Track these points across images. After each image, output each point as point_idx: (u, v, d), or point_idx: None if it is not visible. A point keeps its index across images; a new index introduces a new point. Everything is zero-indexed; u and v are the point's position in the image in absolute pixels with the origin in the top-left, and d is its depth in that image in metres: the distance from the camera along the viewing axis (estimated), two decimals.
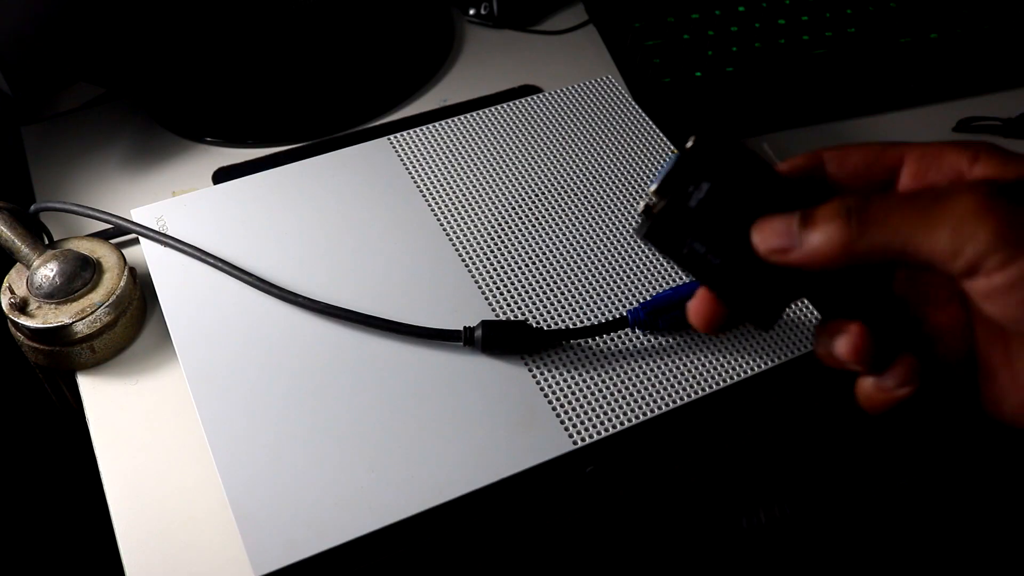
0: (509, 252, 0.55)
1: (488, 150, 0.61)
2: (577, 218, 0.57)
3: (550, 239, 0.56)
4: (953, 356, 0.32)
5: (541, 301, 0.53)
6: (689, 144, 0.31)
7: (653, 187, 0.31)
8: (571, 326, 0.51)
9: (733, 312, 0.33)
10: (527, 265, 0.55)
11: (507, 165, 0.60)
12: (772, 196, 0.31)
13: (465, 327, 0.50)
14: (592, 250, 0.55)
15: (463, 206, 0.58)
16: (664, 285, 0.53)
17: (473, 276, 0.54)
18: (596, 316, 0.52)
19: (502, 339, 0.49)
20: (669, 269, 0.54)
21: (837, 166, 0.32)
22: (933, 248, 0.28)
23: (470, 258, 0.55)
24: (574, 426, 0.47)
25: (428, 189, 0.59)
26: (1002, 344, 0.31)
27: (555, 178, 0.60)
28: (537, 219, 0.57)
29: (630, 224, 0.57)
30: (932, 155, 0.31)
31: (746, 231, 0.31)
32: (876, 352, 0.32)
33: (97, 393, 0.54)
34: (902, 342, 0.32)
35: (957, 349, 0.32)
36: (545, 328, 0.51)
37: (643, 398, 0.48)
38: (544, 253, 0.55)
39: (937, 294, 0.32)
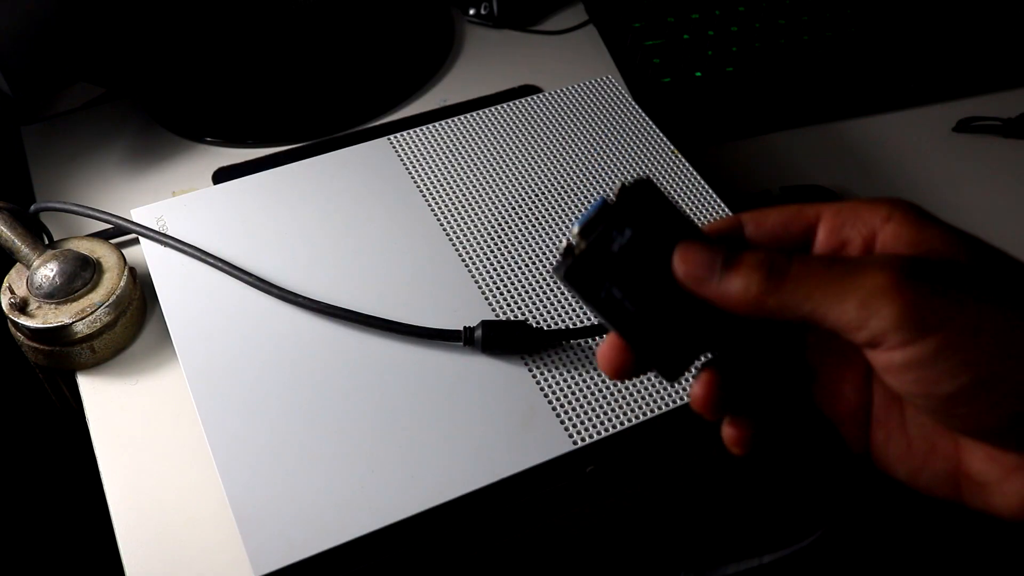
0: (509, 252, 0.55)
1: (488, 150, 0.61)
2: (577, 218, 0.57)
3: (550, 239, 0.56)
4: (850, 410, 0.33)
5: (541, 301, 0.53)
6: (616, 192, 0.32)
7: (576, 228, 0.31)
8: (571, 326, 0.51)
9: (641, 360, 0.33)
10: (527, 265, 0.55)
11: (507, 165, 0.60)
12: None
13: (465, 327, 0.50)
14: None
15: (463, 206, 0.58)
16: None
17: (473, 276, 0.54)
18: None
19: (502, 339, 0.49)
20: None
21: (755, 227, 0.33)
22: (839, 317, 0.29)
23: (470, 258, 0.55)
24: (574, 426, 0.47)
25: (428, 189, 0.59)
26: (898, 410, 0.32)
27: (555, 178, 0.60)
28: (537, 219, 0.57)
29: None
30: (847, 212, 0.32)
31: (664, 281, 0.32)
32: (717, 406, 0.33)
33: (97, 393, 0.54)
34: (755, 403, 0.33)
35: (856, 404, 0.33)
36: (545, 328, 0.51)
37: (643, 398, 0.48)
38: (544, 253, 0.55)
39: (845, 351, 0.33)
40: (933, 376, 0.28)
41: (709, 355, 0.34)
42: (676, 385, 0.49)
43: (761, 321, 0.31)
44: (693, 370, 0.35)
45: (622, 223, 0.31)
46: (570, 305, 0.53)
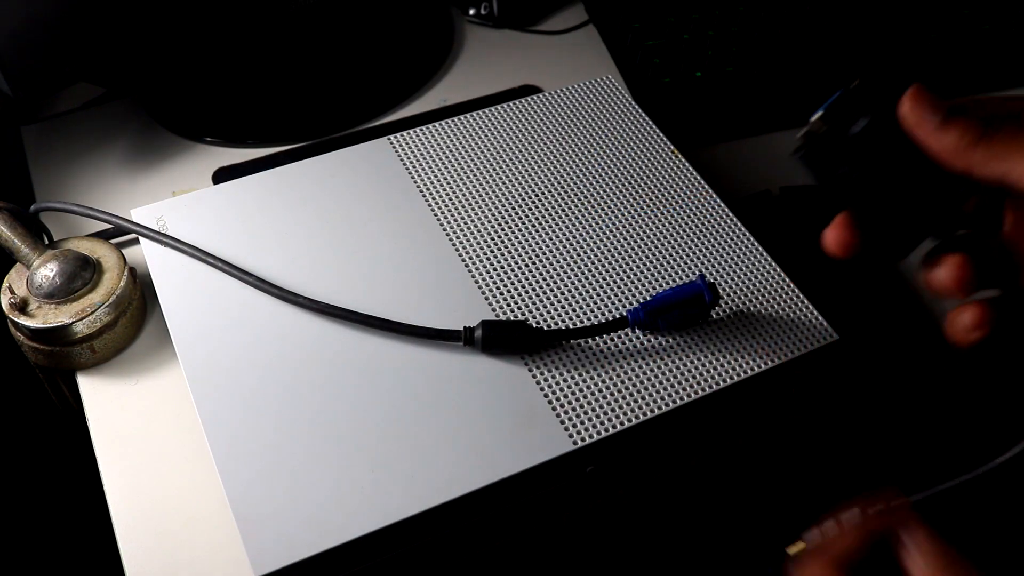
0: (509, 252, 0.55)
1: (488, 150, 0.61)
2: (577, 218, 0.57)
3: (550, 239, 0.56)
4: None
5: (541, 301, 0.53)
6: (855, 84, 0.35)
7: (818, 114, 0.36)
8: (571, 326, 0.51)
9: (867, 239, 0.37)
10: (527, 265, 0.55)
11: (507, 165, 0.60)
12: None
13: (465, 327, 0.50)
14: (592, 250, 0.55)
15: (463, 206, 0.58)
16: (664, 285, 0.53)
17: (473, 276, 0.54)
18: (596, 316, 0.52)
19: (502, 339, 0.49)
20: (669, 269, 0.54)
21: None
22: None
23: (470, 258, 0.55)
24: (574, 426, 0.47)
25: (428, 189, 0.59)
26: None
27: (555, 178, 0.60)
28: (537, 219, 0.57)
29: (630, 224, 0.57)
30: None
31: (896, 165, 0.35)
32: (973, 281, 0.36)
33: (97, 393, 0.54)
34: (995, 277, 0.37)
35: None
36: (545, 328, 0.51)
37: (643, 398, 0.48)
38: (544, 253, 0.55)
39: None
40: None
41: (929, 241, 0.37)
42: (676, 385, 0.49)
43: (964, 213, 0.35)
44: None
45: (860, 110, 0.35)
46: (570, 305, 0.53)
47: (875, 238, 0.36)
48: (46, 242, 0.60)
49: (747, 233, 0.56)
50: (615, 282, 0.54)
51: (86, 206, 0.58)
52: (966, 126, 0.34)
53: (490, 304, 0.53)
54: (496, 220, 0.57)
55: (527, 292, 0.53)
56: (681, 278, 0.54)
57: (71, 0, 0.62)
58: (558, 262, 0.55)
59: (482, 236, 0.56)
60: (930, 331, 0.58)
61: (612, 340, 0.51)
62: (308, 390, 0.49)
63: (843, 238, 0.37)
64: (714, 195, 0.58)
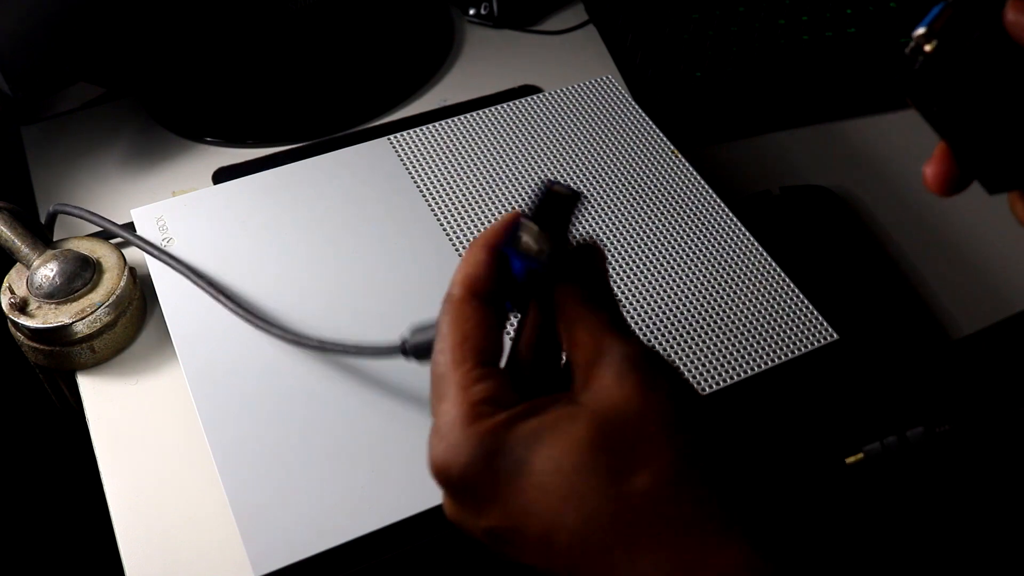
0: None
1: (488, 150, 0.61)
2: (577, 218, 0.57)
3: None
4: None
5: None
6: None
7: (921, 29, 0.32)
8: None
9: (972, 167, 0.34)
10: None
11: (507, 165, 0.60)
12: None
13: (402, 339, 0.45)
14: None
15: (463, 206, 0.58)
16: (664, 285, 0.53)
17: None
18: None
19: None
20: (669, 269, 0.54)
21: None
22: None
23: None
24: None
25: (428, 189, 0.59)
26: None
27: (555, 177, 0.60)
28: None
29: (630, 224, 0.57)
30: None
31: (1013, 85, 0.32)
32: None
33: (97, 393, 0.54)
34: None
35: None
36: None
37: None
38: None
39: None
40: None
41: None
42: None
43: None
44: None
45: (971, 22, 0.32)
46: None
47: (995, 165, 0.33)
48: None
49: (747, 233, 0.56)
50: (615, 282, 0.54)
51: (102, 216, 0.58)
52: None
53: None
54: (496, 220, 0.57)
55: None
56: (681, 278, 0.54)
57: (71, 0, 0.62)
58: None
59: None
60: (930, 331, 0.58)
61: None
62: (308, 390, 0.49)
63: (945, 172, 0.34)
64: (714, 195, 0.58)
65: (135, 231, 0.56)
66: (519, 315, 0.35)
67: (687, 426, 0.30)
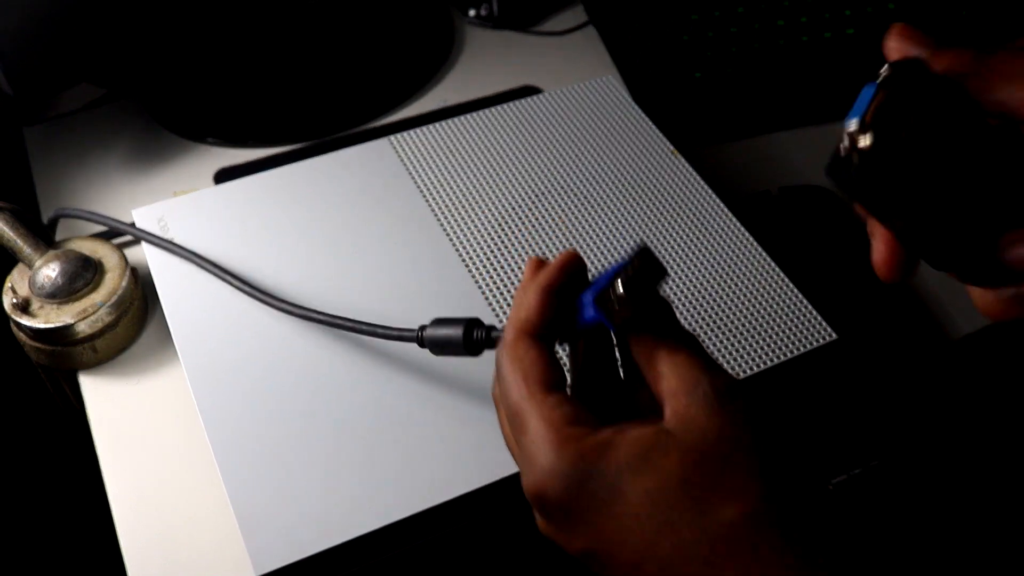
0: (509, 252, 0.56)
1: (488, 150, 0.62)
2: (577, 218, 0.57)
3: (550, 239, 0.56)
4: None
5: None
6: (885, 73, 0.30)
7: (853, 124, 0.29)
8: None
9: (921, 250, 0.32)
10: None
11: (507, 165, 0.61)
12: (977, 144, 0.30)
13: (420, 327, 0.46)
14: (592, 250, 0.56)
15: (463, 206, 0.58)
16: (663, 285, 0.54)
17: (473, 276, 0.54)
18: None
19: (445, 344, 0.45)
20: (669, 269, 0.55)
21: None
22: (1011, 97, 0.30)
23: (470, 258, 0.55)
24: None
25: (428, 189, 0.59)
26: None
27: (555, 178, 0.60)
28: (537, 219, 0.57)
29: (630, 224, 0.57)
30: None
31: (959, 161, 0.29)
32: None
33: (99, 393, 0.54)
34: None
35: None
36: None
37: None
38: (544, 253, 0.55)
39: None
40: None
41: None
42: None
43: None
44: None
45: (908, 106, 0.29)
46: None
47: (953, 249, 0.30)
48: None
49: (747, 233, 0.56)
50: None
51: (101, 214, 0.58)
52: (955, 55, 0.30)
53: (490, 304, 0.53)
54: (496, 220, 0.57)
55: None
56: (681, 278, 0.54)
57: (73, 1, 0.62)
58: None
59: (482, 236, 0.56)
60: (930, 331, 0.58)
61: None
62: (309, 390, 0.49)
63: (894, 259, 0.33)
64: (714, 195, 0.59)
65: (148, 232, 0.57)
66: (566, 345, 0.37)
67: (772, 459, 0.31)
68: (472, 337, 0.43)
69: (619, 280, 0.33)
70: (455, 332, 0.43)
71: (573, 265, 0.36)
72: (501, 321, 0.52)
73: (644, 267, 0.32)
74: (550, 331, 0.35)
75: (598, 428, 0.32)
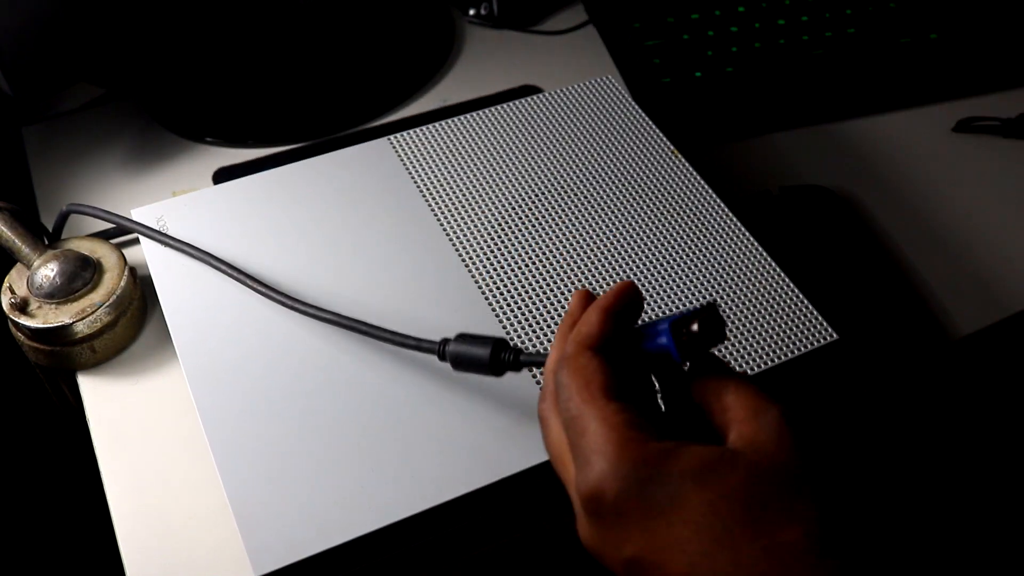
0: (509, 252, 0.55)
1: (488, 150, 0.61)
2: (577, 218, 0.57)
3: (550, 239, 0.56)
4: None
5: (541, 301, 0.53)
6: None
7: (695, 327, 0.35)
8: None
9: None
10: (528, 265, 0.55)
11: (507, 165, 0.60)
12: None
13: (442, 339, 0.46)
14: (592, 250, 0.55)
15: (463, 206, 0.58)
16: (663, 285, 0.54)
17: (473, 276, 0.54)
18: None
19: (469, 362, 0.44)
20: (670, 269, 0.54)
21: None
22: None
23: (470, 258, 0.55)
24: None
25: (428, 189, 0.59)
26: None
27: (555, 178, 0.60)
28: (537, 219, 0.57)
29: (630, 224, 0.57)
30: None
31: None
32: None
33: (97, 393, 0.54)
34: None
35: None
36: (527, 348, 0.51)
37: None
38: (544, 253, 0.55)
39: None
40: None
41: None
42: None
43: None
44: None
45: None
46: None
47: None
48: (46, 242, 0.60)
49: (747, 233, 0.56)
50: (615, 282, 0.54)
51: (115, 213, 0.58)
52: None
53: (490, 304, 0.53)
54: (496, 220, 0.57)
55: (527, 292, 0.53)
56: (681, 278, 0.54)
57: (72, 1, 0.62)
58: (558, 262, 0.55)
59: (482, 236, 0.56)
60: (930, 331, 0.58)
61: None
62: (308, 390, 0.49)
63: None
64: (714, 195, 0.58)
65: (163, 234, 0.56)
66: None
67: (831, 484, 0.32)
68: (499, 358, 0.43)
69: (696, 320, 0.35)
70: (482, 352, 0.43)
71: (630, 294, 0.37)
72: (501, 324, 0.52)
73: (713, 314, 0.35)
74: (610, 350, 0.36)
75: (662, 438, 0.33)
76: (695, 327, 0.35)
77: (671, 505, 0.31)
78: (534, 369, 0.49)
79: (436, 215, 0.58)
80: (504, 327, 0.52)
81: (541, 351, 0.51)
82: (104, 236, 0.60)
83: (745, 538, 0.30)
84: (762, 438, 0.32)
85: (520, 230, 0.57)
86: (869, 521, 0.32)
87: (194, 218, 0.57)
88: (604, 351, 0.36)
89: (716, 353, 0.41)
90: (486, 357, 0.43)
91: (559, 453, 0.36)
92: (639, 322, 0.38)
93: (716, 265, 0.55)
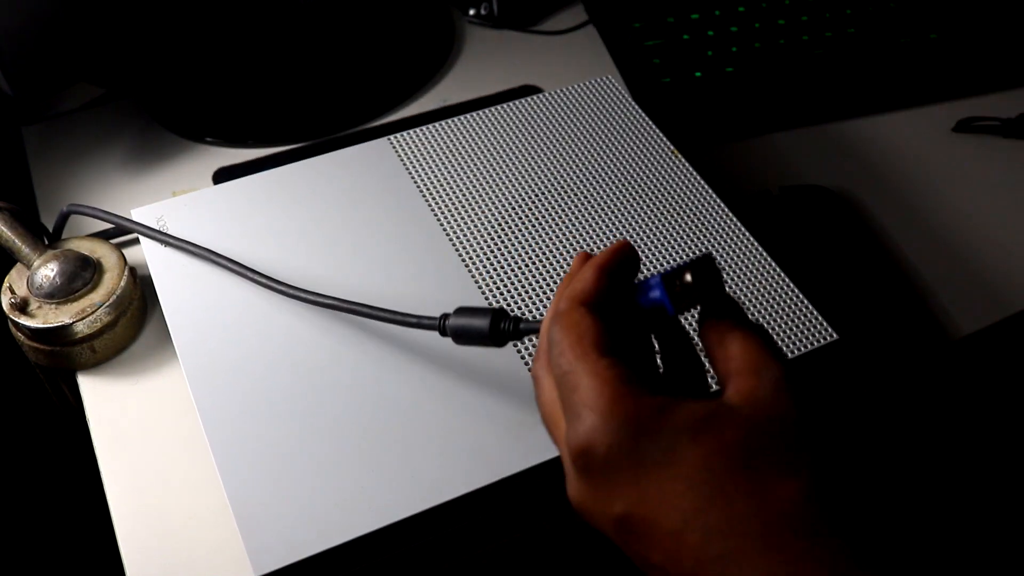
0: (509, 252, 0.55)
1: (488, 150, 0.61)
2: (577, 218, 0.57)
3: (550, 239, 0.56)
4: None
5: (542, 301, 0.53)
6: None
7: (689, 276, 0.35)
8: None
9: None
10: (527, 265, 0.55)
11: (507, 165, 0.60)
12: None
13: (443, 314, 0.46)
14: (592, 250, 0.55)
15: (463, 206, 0.58)
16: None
17: (473, 276, 0.54)
18: None
19: (469, 333, 0.44)
20: (668, 267, 0.54)
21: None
22: None
23: (470, 258, 0.55)
24: None
25: (428, 189, 0.59)
26: None
27: (555, 178, 0.60)
28: (537, 219, 0.57)
29: (630, 224, 0.57)
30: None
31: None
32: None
33: (97, 393, 0.54)
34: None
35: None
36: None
37: None
38: (544, 253, 0.55)
39: None
40: None
41: None
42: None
43: None
44: None
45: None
46: None
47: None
48: (46, 242, 0.60)
49: (747, 233, 0.56)
50: None
51: (115, 213, 0.58)
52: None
53: (489, 303, 0.53)
54: (496, 220, 0.57)
55: (527, 292, 0.53)
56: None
57: (72, 1, 0.62)
58: (558, 262, 0.55)
59: (482, 236, 0.56)
60: (930, 331, 0.58)
61: None
62: (308, 390, 0.49)
63: None
64: (714, 195, 0.58)
65: (163, 233, 0.56)
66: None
67: (829, 446, 0.31)
68: (499, 327, 0.43)
69: (688, 271, 0.34)
70: (481, 322, 0.43)
71: (626, 252, 0.36)
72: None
73: (707, 265, 0.34)
74: (603, 307, 0.35)
75: (655, 393, 0.32)
76: (688, 278, 0.34)
77: (664, 460, 0.30)
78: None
79: (436, 215, 0.58)
80: None
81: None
82: (104, 236, 0.60)
83: (740, 493, 0.30)
84: (760, 395, 0.32)
85: (520, 230, 0.57)
86: (867, 489, 0.32)
87: (194, 218, 0.57)
88: (598, 308, 0.35)
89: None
90: (486, 327, 0.43)
91: (551, 411, 0.35)
92: (636, 281, 0.37)
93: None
